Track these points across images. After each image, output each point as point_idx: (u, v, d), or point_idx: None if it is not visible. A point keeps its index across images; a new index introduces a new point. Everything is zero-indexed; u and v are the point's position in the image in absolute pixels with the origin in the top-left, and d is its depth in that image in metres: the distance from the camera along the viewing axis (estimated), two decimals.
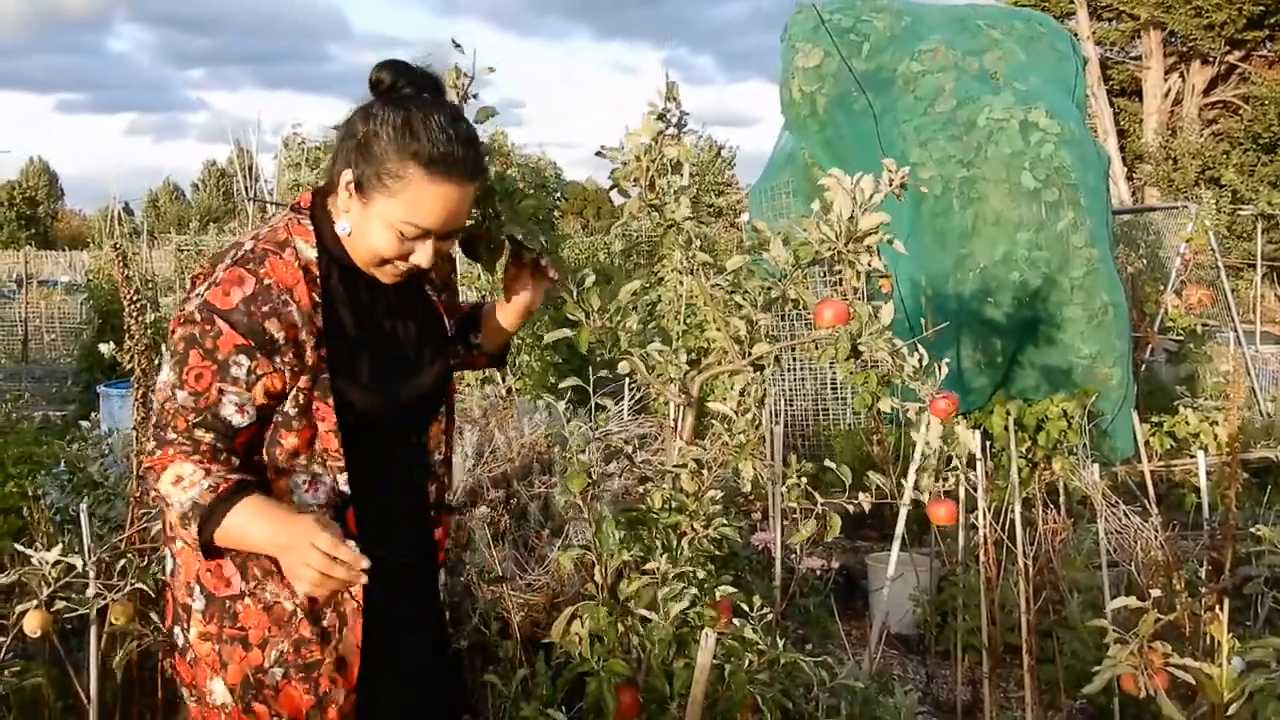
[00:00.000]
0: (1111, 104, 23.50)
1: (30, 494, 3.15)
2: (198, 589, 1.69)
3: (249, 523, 1.57)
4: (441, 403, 1.86)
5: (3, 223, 39.72)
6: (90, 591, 1.98)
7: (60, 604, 1.93)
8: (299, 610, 1.66)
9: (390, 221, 1.62)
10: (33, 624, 1.88)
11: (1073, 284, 5.22)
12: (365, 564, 1.52)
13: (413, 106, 1.63)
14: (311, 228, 1.69)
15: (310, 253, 1.66)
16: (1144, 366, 6.65)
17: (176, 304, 1.80)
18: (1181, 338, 7.04)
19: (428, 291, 1.86)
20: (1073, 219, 5.19)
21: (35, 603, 1.90)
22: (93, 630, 2.05)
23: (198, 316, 1.59)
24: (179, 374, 1.60)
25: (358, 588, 1.63)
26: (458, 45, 1.72)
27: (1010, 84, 5.51)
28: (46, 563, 1.91)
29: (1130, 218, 9.25)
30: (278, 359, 1.60)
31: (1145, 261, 8.35)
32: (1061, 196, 5.19)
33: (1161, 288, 7.62)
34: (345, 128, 1.67)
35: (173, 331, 1.62)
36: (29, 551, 1.96)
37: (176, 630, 1.72)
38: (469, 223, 1.75)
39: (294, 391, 1.64)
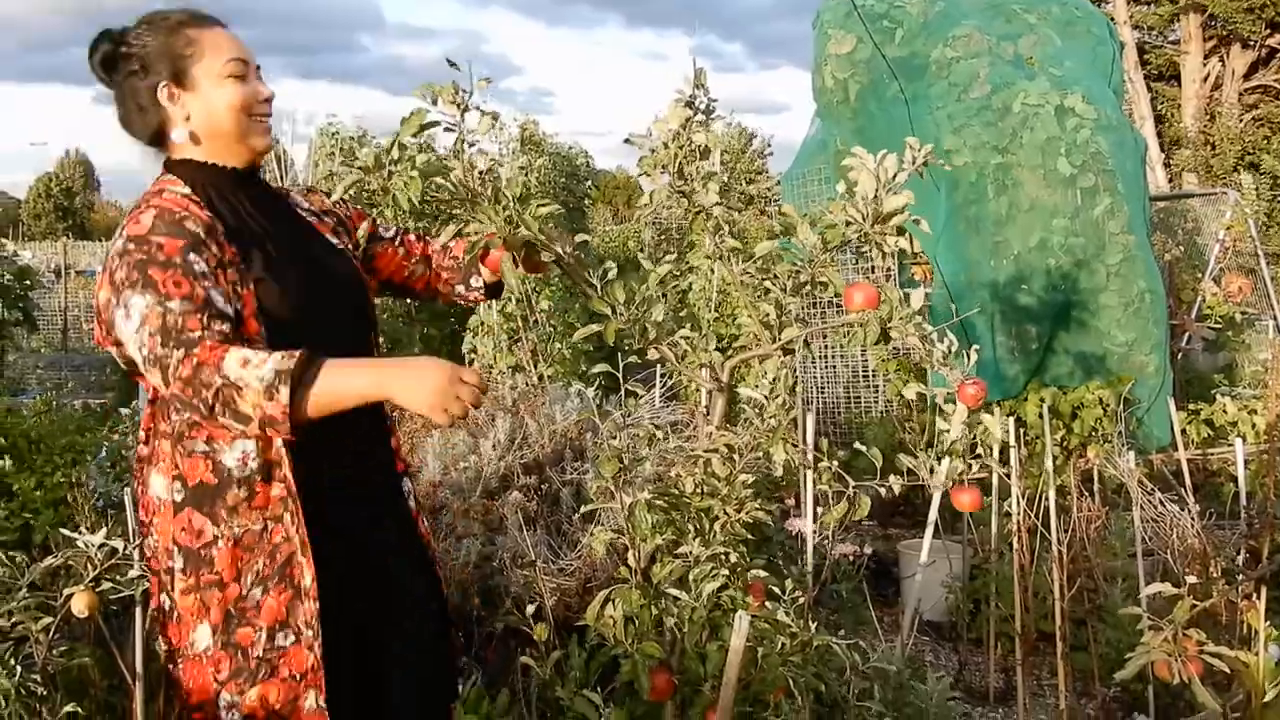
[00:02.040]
0: (1149, 89, 23.13)
1: (74, 481, 3.22)
2: (175, 550, 1.76)
3: (343, 372, 1.63)
4: (366, 313, 1.97)
5: (40, 214, 40.27)
6: (134, 573, 2.02)
7: (106, 585, 1.97)
8: (268, 524, 1.74)
9: (218, 75, 1.79)
10: (80, 605, 1.93)
11: (1109, 271, 5.16)
12: (484, 380, 1.65)
13: (137, 25, 1.81)
14: (176, 177, 1.81)
15: (182, 188, 1.79)
16: (1181, 354, 6.57)
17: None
18: (1219, 325, 6.95)
19: (313, 223, 1.97)
20: (1109, 205, 5.13)
21: (82, 585, 1.94)
22: (137, 611, 2.10)
23: (130, 247, 1.67)
24: (156, 293, 1.63)
25: (288, 472, 1.73)
26: (453, 64, 1.71)
27: (1046, 69, 5.45)
28: (92, 546, 1.95)
29: (1167, 204, 9.13)
30: (209, 253, 1.70)
31: (1183, 249, 8.24)
32: (1098, 182, 5.13)
33: (1199, 275, 7.53)
34: (116, 85, 1.82)
35: (108, 284, 1.67)
36: (74, 535, 2.00)
37: (164, 598, 1.80)
38: (489, 232, 1.75)
39: (226, 285, 1.71)
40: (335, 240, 1.98)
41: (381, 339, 2.15)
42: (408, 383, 1.63)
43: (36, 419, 3.56)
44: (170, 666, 1.82)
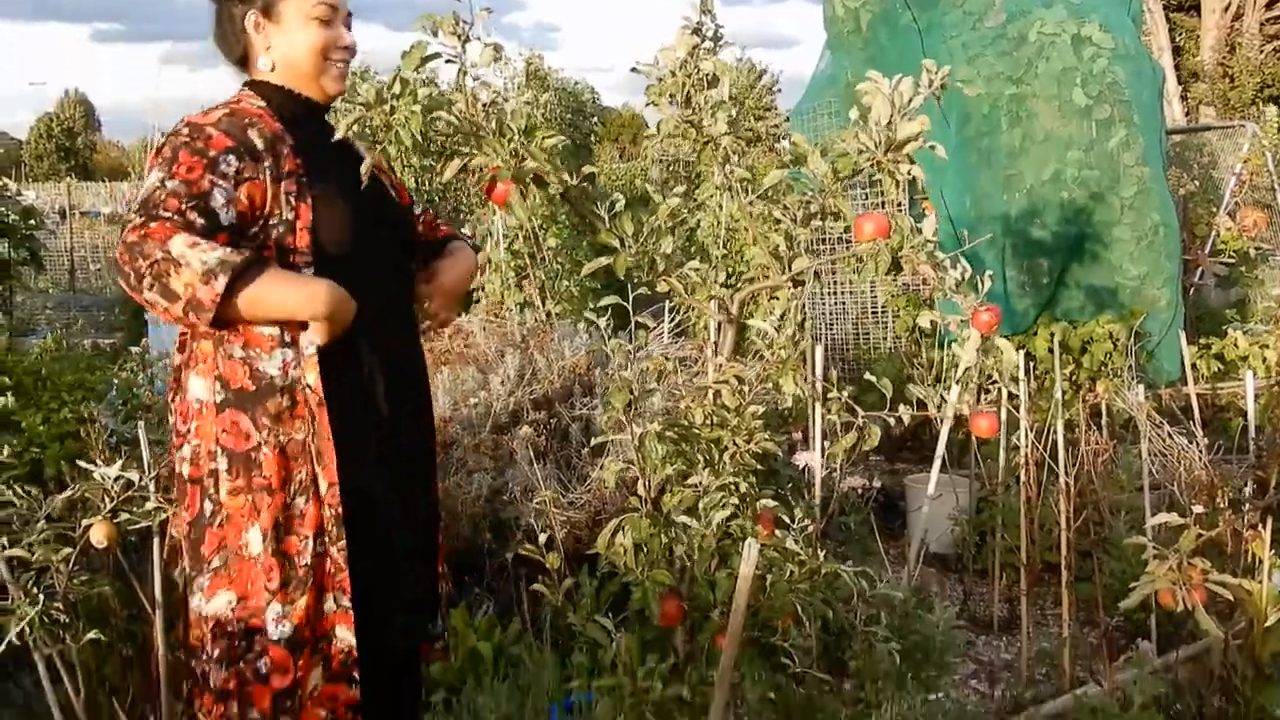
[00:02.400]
0: (1167, 19, 22.68)
1: (84, 417, 3.24)
2: (219, 451, 1.80)
3: (282, 284, 1.72)
4: (410, 254, 2.06)
5: (42, 155, 40.06)
6: (150, 505, 2.05)
7: (124, 517, 2.00)
8: (309, 438, 1.80)
9: (304, 15, 1.86)
10: (99, 535, 1.96)
11: (1123, 203, 5.11)
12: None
13: None
14: (254, 93, 1.89)
15: (259, 101, 1.87)
16: (1193, 289, 6.53)
17: None
18: (1233, 260, 6.89)
19: (378, 172, 2.00)
20: (1125, 136, 5.07)
21: (100, 516, 1.97)
22: (155, 540, 2.13)
23: (184, 130, 1.75)
24: (168, 170, 1.72)
25: (314, 380, 1.79)
26: None
27: None
28: (108, 478, 1.98)
29: (1184, 138, 9.01)
30: (260, 165, 1.76)
31: (1198, 183, 8.15)
32: (1114, 113, 5.06)
33: (1214, 209, 7.45)
34: (216, 2, 1.92)
35: (157, 155, 1.76)
36: (90, 467, 2.02)
37: (206, 505, 1.82)
38: (495, 164, 1.74)
39: (281, 195, 1.77)
40: (391, 189, 2.05)
41: None
42: (336, 310, 1.74)
43: (39, 356, 3.57)
44: (211, 571, 1.83)
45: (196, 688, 1.86)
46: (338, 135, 1.74)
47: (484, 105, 1.72)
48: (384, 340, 1.92)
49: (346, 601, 1.82)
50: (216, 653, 1.82)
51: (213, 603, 1.82)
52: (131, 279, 1.65)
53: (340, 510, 1.81)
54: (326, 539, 1.82)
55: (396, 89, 1.66)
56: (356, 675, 1.83)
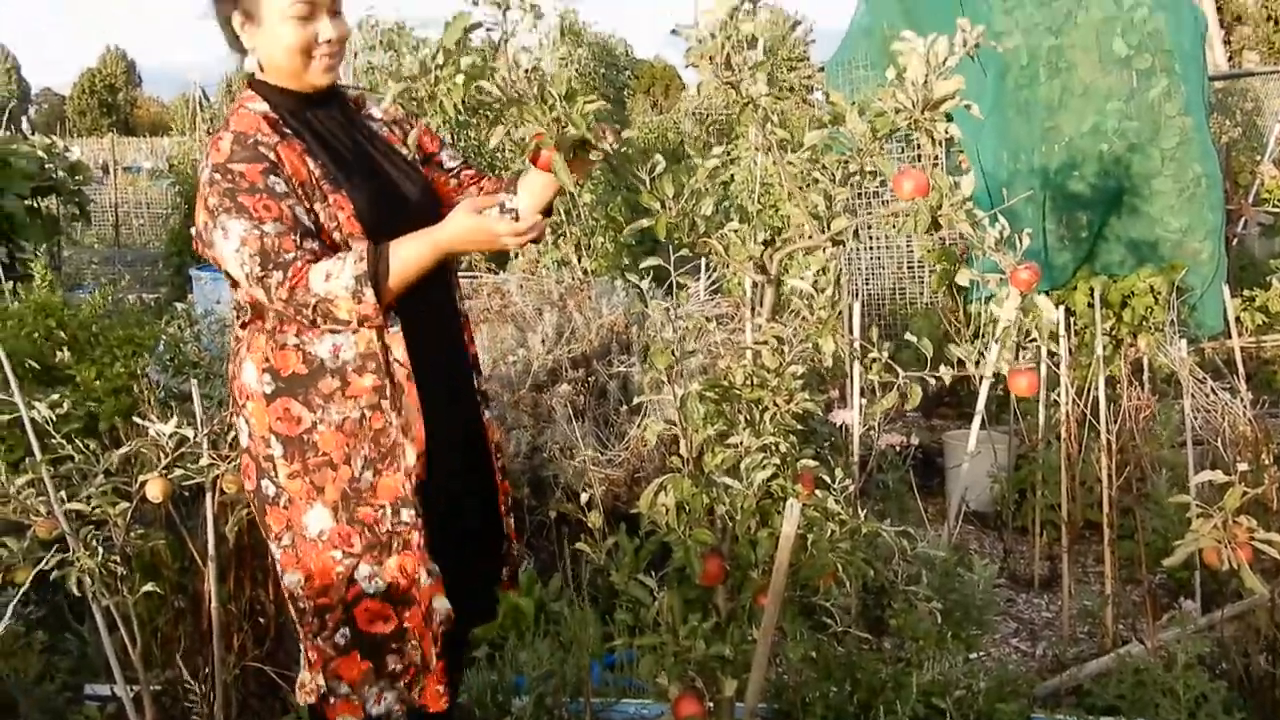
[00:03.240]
0: None
1: (136, 373, 3.30)
2: (273, 438, 1.88)
3: (407, 250, 1.82)
4: (438, 202, 2.06)
5: (85, 110, 40.32)
6: (204, 461, 2.10)
7: (178, 472, 2.05)
8: (364, 412, 1.87)
9: (281, 14, 1.83)
10: (155, 490, 2.01)
11: (1164, 155, 5.02)
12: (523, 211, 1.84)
13: None
14: (255, 94, 1.90)
15: (260, 105, 1.89)
16: (1236, 240, 6.41)
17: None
18: (1278, 210, 6.76)
19: (385, 135, 2.06)
20: (1166, 87, 4.96)
21: (155, 472, 2.02)
22: (208, 496, 2.18)
23: (217, 176, 1.80)
24: (250, 218, 1.77)
25: (402, 352, 1.87)
26: None
27: None
28: (163, 435, 2.03)
29: (1226, 84, 8.81)
30: (286, 172, 1.82)
31: (1241, 130, 7.97)
32: (1154, 63, 4.95)
33: (1258, 158, 7.29)
34: (216, 13, 1.93)
35: (204, 209, 1.81)
36: (146, 423, 2.07)
37: (265, 484, 1.91)
38: (540, 135, 1.74)
39: (314, 194, 1.84)
40: (407, 152, 2.05)
41: None
42: (459, 235, 1.83)
43: (91, 311, 3.64)
44: (282, 547, 1.92)
45: (303, 643, 1.98)
46: (385, 104, 1.75)
47: (525, 71, 1.72)
48: (430, 312, 1.97)
49: (436, 570, 1.92)
50: (304, 624, 1.94)
51: (286, 578, 1.94)
52: (306, 321, 1.82)
53: (424, 479, 1.90)
54: (417, 510, 1.90)
55: (440, 59, 1.67)
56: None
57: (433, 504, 1.94)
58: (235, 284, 1.88)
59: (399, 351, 1.87)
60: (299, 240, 1.77)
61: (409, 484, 1.89)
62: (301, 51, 1.87)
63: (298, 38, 1.85)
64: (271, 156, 1.82)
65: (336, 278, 1.75)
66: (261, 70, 1.92)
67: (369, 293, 1.75)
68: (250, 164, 1.79)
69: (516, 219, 1.83)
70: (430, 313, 1.97)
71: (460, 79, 1.66)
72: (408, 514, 1.89)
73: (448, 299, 2.08)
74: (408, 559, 1.90)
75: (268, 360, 1.87)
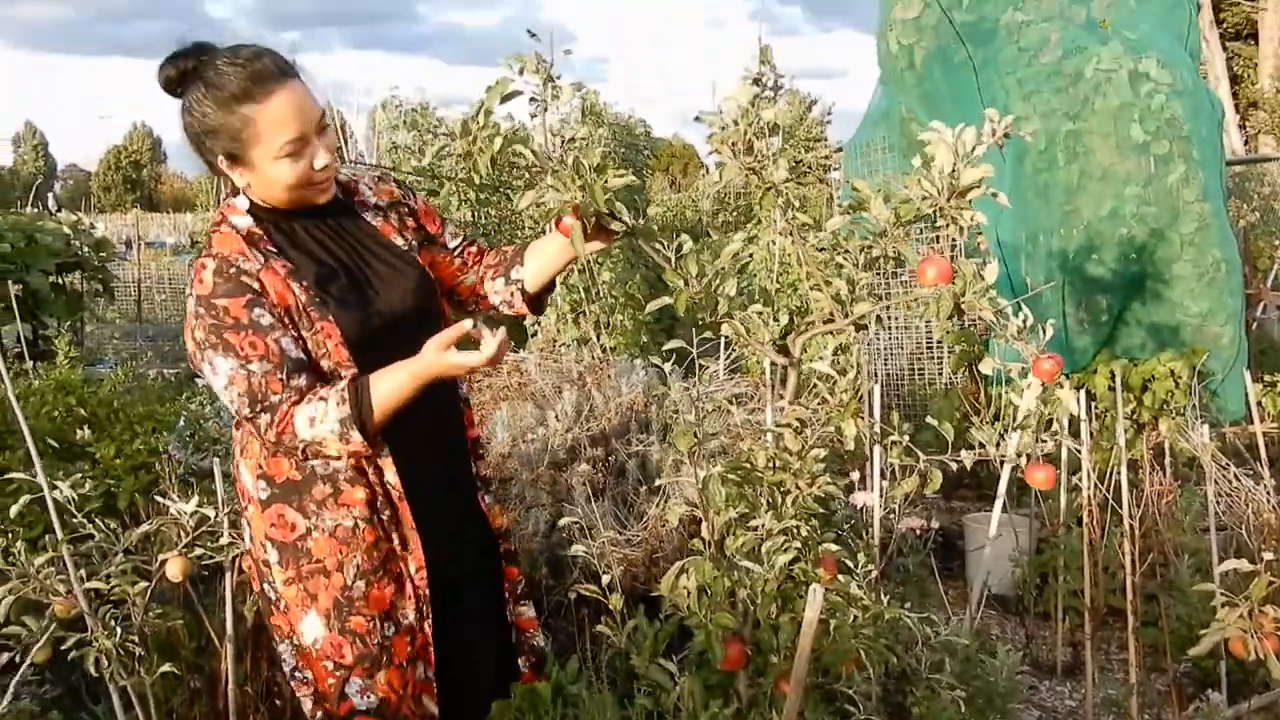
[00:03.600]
0: (1224, 48, 22.35)
1: (157, 450, 3.32)
2: (268, 544, 1.88)
3: (388, 383, 1.77)
4: (433, 319, 1.99)
5: (109, 186, 41.17)
6: (223, 540, 2.10)
7: (198, 551, 2.05)
8: (358, 523, 1.85)
9: (272, 155, 1.78)
10: (175, 569, 2.01)
11: (1183, 240, 5.04)
12: (497, 337, 1.75)
13: (202, 73, 1.78)
14: (241, 203, 1.87)
15: (243, 220, 1.85)
16: (1256, 324, 6.41)
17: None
18: None
19: (378, 226, 2.01)
20: (1184, 172, 5.01)
21: (176, 551, 2.03)
22: (228, 576, 2.18)
23: (201, 310, 1.77)
24: (237, 356, 1.75)
25: (393, 475, 1.87)
26: (533, 34, 1.74)
27: (1119, 32, 5.31)
28: (184, 513, 2.03)
29: (1243, 168, 8.87)
30: (270, 300, 1.78)
31: (1259, 214, 8.01)
32: (1172, 149, 5.00)
33: (1276, 242, 7.32)
34: (185, 134, 1.84)
35: (191, 339, 1.79)
36: (167, 502, 2.08)
37: (266, 587, 1.93)
38: (563, 200, 1.78)
39: (300, 320, 1.80)
40: (401, 241, 2.01)
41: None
42: (432, 368, 1.77)
43: (111, 388, 3.67)
44: (288, 653, 1.94)
45: None
46: (426, 160, 1.79)
47: (563, 140, 1.77)
48: (427, 407, 1.90)
49: (430, 673, 1.92)
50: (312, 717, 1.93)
51: (294, 675, 1.94)
52: (299, 457, 1.83)
53: (428, 591, 1.90)
54: (399, 622, 1.90)
55: (481, 119, 1.72)
56: None
57: (433, 592, 1.94)
58: None
59: (390, 475, 1.88)
60: (285, 379, 1.75)
61: (403, 596, 1.90)
62: (298, 186, 1.83)
63: (294, 176, 1.81)
64: (255, 286, 1.78)
65: (321, 422, 1.74)
66: (260, 199, 1.88)
67: (355, 435, 1.74)
68: (233, 298, 1.76)
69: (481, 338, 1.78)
70: (427, 408, 1.90)
71: (495, 140, 1.72)
72: (388, 628, 1.90)
73: (448, 385, 2.03)
74: (394, 674, 1.89)
75: (261, 467, 1.88)
